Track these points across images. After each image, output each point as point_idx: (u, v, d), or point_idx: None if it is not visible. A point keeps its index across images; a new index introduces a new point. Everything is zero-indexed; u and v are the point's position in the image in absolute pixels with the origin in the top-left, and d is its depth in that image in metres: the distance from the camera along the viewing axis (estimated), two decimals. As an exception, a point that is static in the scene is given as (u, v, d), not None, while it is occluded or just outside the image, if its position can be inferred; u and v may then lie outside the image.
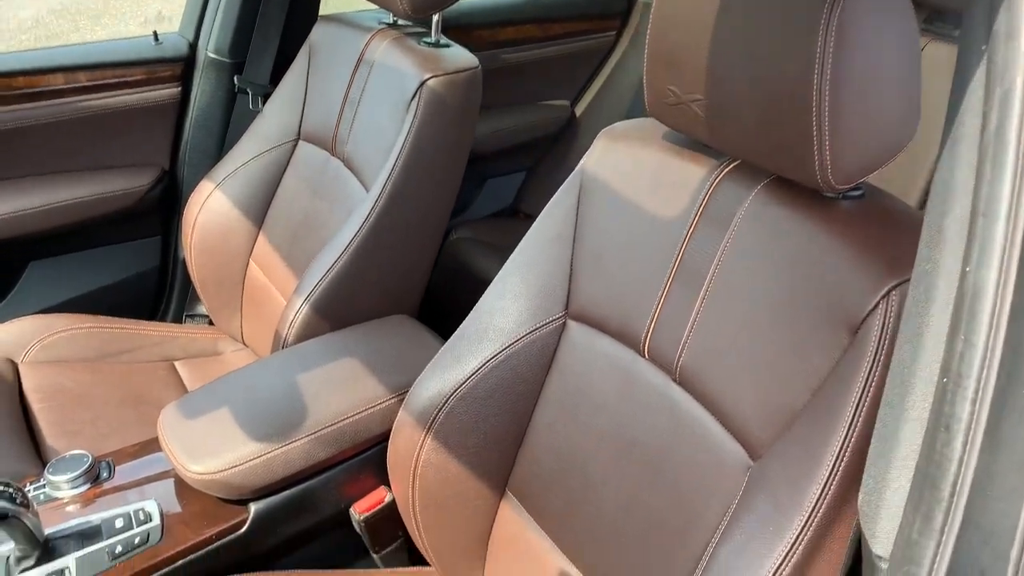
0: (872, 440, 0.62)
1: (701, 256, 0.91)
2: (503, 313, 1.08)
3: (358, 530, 1.23)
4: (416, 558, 1.20)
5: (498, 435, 1.08)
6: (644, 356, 0.96)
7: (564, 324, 1.06)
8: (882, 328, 0.75)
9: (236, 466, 1.11)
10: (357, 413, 1.20)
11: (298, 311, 1.37)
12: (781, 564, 0.75)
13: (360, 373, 1.25)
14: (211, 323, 1.81)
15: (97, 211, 1.78)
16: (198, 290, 1.70)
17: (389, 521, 1.22)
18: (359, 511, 1.21)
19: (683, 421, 0.91)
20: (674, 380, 0.93)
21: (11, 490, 1.00)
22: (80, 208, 1.76)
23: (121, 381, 1.56)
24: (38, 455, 1.35)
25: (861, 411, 0.74)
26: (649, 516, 0.93)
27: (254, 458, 1.12)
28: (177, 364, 1.67)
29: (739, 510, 0.81)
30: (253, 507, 1.15)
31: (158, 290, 1.95)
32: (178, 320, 1.97)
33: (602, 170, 1.03)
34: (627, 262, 0.98)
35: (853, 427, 0.74)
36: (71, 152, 1.77)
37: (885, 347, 0.74)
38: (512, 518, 1.10)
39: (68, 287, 1.81)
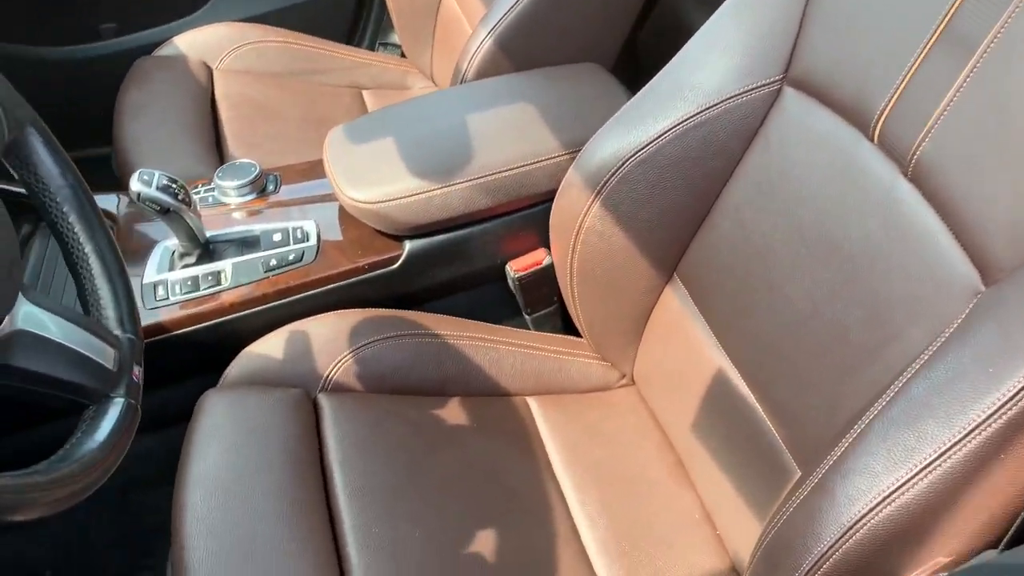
0: None
1: (979, 15, 0.68)
2: (707, 68, 0.90)
3: (512, 288, 1.16)
4: (568, 326, 1.13)
5: (675, 211, 0.94)
6: (872, 139, 0.76)
7: (780, 91, 0.87)
8: None
9: (393, 199, 1.05)
10: (525, 165, 1.09)
11: (480, 44, 1.24)
12: (992, 415, 0.59)
13: (535, 121, 1.13)
14: (403, 55, 1.73)
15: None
16: (392, 16, 1.62)
17: (545, 285, 1.15)
18: (515, 269, 1.14)
19: (904, 226, 0.73)
20: (904, 174, 0.74)
21: (175, 187, 1.00)
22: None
23: (307, 100, 1.54)
24: (220, 161, 1.37)
25: None
26: (834, 330, 0.78)
27: (412, 195, 1.05)
28: (364, 93, 1.63)
29: (952, 341, 0.65)
30: (408, 244, 1.10)
31: (355, 14, 1.88)
32: (371, 48, 1.90)
33: None
34: (876, 17, 0.76)
35: None
36: None
37: None
38: (675, 306, 0.99)
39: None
